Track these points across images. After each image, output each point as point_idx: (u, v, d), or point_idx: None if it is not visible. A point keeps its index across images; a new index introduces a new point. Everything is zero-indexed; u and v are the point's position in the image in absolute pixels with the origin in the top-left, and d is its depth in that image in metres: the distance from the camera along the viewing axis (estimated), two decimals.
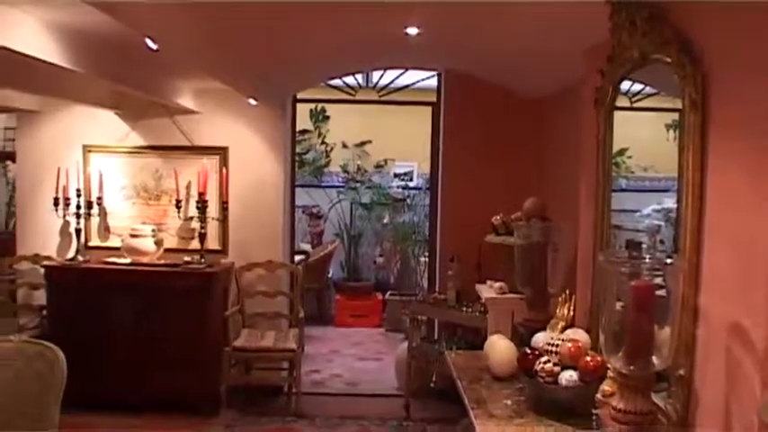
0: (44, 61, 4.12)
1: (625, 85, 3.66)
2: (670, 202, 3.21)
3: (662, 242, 3.55)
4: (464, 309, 6.19)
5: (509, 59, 5.91)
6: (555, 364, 3.12)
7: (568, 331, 3.53)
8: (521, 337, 4.08)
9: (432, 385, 6.73)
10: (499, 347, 3.73)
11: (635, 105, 3.92)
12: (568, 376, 3.05)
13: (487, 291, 5.85)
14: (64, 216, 6.95)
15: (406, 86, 8.61)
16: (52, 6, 3.79)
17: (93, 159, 7.10)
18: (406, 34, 4.93)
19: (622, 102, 3.74)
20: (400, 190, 11.06)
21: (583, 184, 4.30)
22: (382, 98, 8.65)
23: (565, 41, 4.50)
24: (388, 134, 10.96)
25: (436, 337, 7.03)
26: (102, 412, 5.88)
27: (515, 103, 7.03)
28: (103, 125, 7.09)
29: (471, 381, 3.61)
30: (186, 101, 6.68)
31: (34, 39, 3.98)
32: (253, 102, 6.70)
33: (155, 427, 6.04)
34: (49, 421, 3.37)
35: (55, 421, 3.37)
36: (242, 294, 6.96)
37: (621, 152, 4.02)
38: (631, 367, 2.51)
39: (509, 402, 3.26)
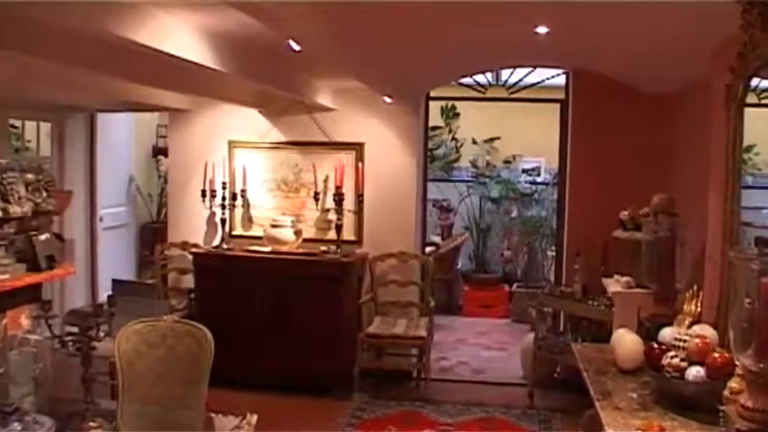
0: (197, 64, 4.33)
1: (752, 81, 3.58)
2: None
3: None
4: (590, 302, 6.23)
5: (636, 57, 5.81)
6: (682, 360, 3.12)
7: (695, 327, 3.50)
8: (646, 332, 4.05)
9: (556, 375, 6.78)
10: (626, 341, 3.76)
11: (762, 102, 3.85)
12: (695, 372, 3.04)
13: (614, 285, 5.82)
14: (210, 207, 7.39)
15: (535, 84, 8.67)
16: (203, 12, 3.96)
17: (238, 154, 7.50)
18: (536, 33, 4.89)
19: (749, 98, 3.65)
20: (528, 185, 11.04)
21: (711, 180, 4.20)
22: (511, 95, 8.72)
23: (692, 38, 4.43)
24: (516, 130, 10.96)
25: (561, 329, 7.07)
26: (240, 389, 6.07)
27: (642, 99, 6.97)
28: (247, 122, 7.47)
29: (597, 372, 3.65)
30: (325, 99, 6.92)
31: (188, 43, 4.18)
32: (388, 99, 6.92)
33: (290, 405, 6.30)
34: (198, 394, 3.70)
35: (203, 394, 3.70)
36: (375, 283, 7.19)
37: (748, 149, 3.94)
38: (761, 365, 2.45)
39: (634, 395, 3.29)
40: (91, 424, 3.38)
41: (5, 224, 4.19)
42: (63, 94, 6.66)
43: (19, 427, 3.13)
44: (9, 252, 4.33)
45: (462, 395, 6.84)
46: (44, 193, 4.56)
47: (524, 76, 8.68)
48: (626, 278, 5.76)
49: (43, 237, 4.53)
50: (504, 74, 8.96)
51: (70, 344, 3.50)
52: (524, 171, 11.26)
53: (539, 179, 11.21)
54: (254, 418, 3.27)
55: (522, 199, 10.97)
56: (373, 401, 6.62)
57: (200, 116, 7.59)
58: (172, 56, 4.03)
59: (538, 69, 8.41)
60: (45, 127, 8.09)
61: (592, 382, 3.51)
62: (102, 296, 7.86)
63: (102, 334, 3.46)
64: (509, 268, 10.98)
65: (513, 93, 8.76)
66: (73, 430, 3.38)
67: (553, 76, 8.47)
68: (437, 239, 10.59)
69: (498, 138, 11.28)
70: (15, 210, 4.19)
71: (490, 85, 8.90)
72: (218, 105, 7.32)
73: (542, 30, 4.84)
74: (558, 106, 7.78)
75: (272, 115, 7.44)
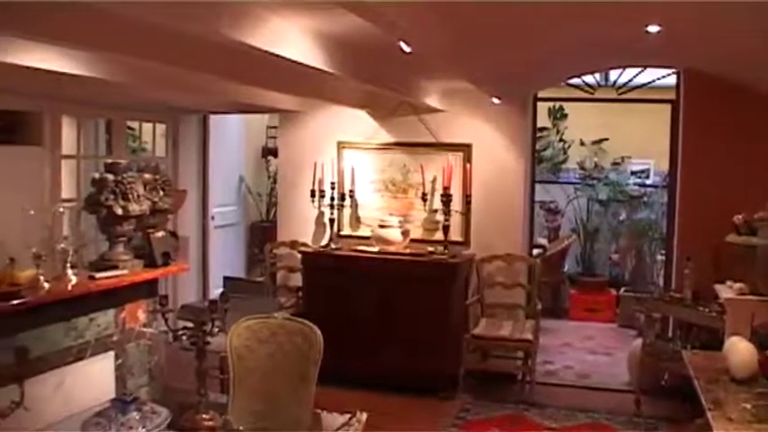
0: (310, 66, 4.40)
1: None
2: None
3: None
4: (700, 308, 6.09)
5: (751, 55, 5.67)
6: None
7: None
8: (761, 341, 3.99)
9: (663, 383, 6.68)
10: (739, 349, 3.69)
11: None
12: None
13: (726, 291, 5.69)
14: (319, 206, 7.53)
15: (644, 84, 8.53)
16: (314, 15, 4.02)
17: (346, 155, 7.61)
18: (647, 32, 4.85)
19: None
20: (637, 187, 10.89)
21: None
22: (620, 96, 8.60)
23: None
24: (625, 132, 10.80)
25: (670, 335, 6.93)
26: (345, 387, 6.11)
27: (757, 98, 6.76)
28: (355, 123, 7.58)
29: (708, 381, 3.59)
30: (433, 100, 6.94)
31: (300, 46, 4.24)
32: (496, 100, 6.91)
33: (395, 405, 6.31)
34: (306, 391, 3.77)
35: (311, 391, 3.77)
36: (482, 285, 7.18)
37: None
38: None
39: (748, 406, 3.22)
40: (204, 416, 3.48)
41: (125, 222, 4.37)
42: (178, 97, 6.89)
43: (137, 416, 3.25)
44: (128, 248, 4.53)
45: (567, 400, 6.79)
46: (161, 192, 4.72)
47: (634, 77, 8.54)
48: (739, 284, 5.63)
49: (159, 234, 4.71)
50: (613, 74, 8.83)
51: (184, 338, 3.61)
52: (633, 173, 11.13)
53: (648, 181, 11.04)
54: (364, 416, 3.31)
55: (630, 201, 10.81)
56: (477, 403, 6.63)
57: (310, 117, 7.72)
58: (285, 59, 4.10)
59: (648, 69, 8.25)
60: (160, 128, 8.38)
61: (703, 391, 3.45)
62: (213, 292, 8.15)
63: (216, 329, 3.57)
64: (616, 272, 10.82)
65: (622, 93, 8.63)
66: (186, 421, 3.49)
67: (663, 77, 8.30)
68: (544, 242, 10.52)
69: (606, 139, 11.14)
70: (134, 208, 4.36)
71: (599, 85, 8.79)
72: (327, 107, 7.43)
73: (654, 29, 4.80)
74: (668, 107, 7.62)
75: (379, 116, 7.52)
